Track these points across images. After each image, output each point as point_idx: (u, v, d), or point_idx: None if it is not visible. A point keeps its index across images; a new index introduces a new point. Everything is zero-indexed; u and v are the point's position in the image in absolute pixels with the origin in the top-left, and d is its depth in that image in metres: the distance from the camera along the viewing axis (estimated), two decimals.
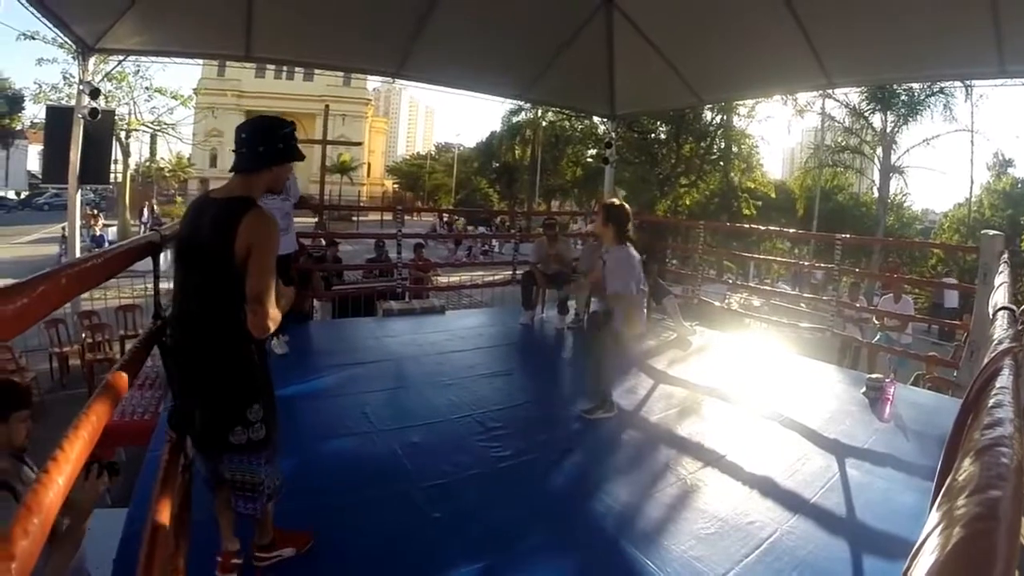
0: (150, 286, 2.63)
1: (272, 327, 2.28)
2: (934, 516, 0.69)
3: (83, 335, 8.17)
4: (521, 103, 31.94)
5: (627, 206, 5.13)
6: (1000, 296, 2.48)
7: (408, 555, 3.00)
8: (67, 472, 1.29)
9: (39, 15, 5.78)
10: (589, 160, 38.24)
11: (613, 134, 11.27)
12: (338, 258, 10.32)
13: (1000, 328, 1.80)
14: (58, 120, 7.47)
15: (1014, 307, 2.04)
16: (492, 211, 45.92)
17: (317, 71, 37.16)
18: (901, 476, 4.14)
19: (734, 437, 4.64)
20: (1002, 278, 3.46)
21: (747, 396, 5.54)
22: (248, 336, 2.30)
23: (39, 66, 22.14)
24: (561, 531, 3.34)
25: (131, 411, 5.16)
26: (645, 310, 5.12)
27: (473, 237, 26.03)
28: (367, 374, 5.72)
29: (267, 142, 2.47)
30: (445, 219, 37.03)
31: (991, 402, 1.04)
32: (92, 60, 6.94)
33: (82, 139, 6.91)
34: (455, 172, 56.05)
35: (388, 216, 27.42)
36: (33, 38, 20.13)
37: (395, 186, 61.87)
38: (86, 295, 8.58)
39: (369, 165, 58.72)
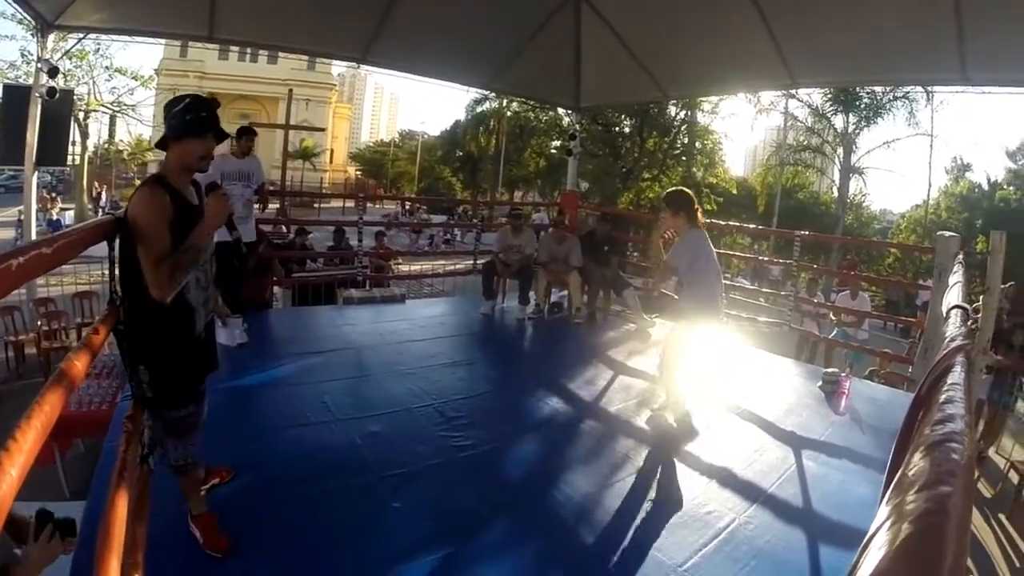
0: (107, 272, 2.54)
1: (164, 289, 2.36)
2: (884, 510, 0.70)
3: (39, 323, 7.95)
4: (486, 92, 31.84)
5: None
6: (954, 295, 2.53)
7: (368, 545, 2.98)
8: (20, 463, 1.27)
9: None
10: (553, 151, 38.25)
11: (577, 126, 11.26)
12: (307, 246, 10.17)
13: (953, 326, 1.84)
14: (15, 99, 7.25)
15: (967, 306, 2.08)
16: (455, 200, 45.76)
17: (281, 54, 36.63)
18: (856, 468, 4.23)
19: (693, 428, 4.68)
20: (956, 278, 3.54)
21: (706, 388, 5.60)
22: (148, 305, 2.41)
23: None
24: (521, 521, 3.35)
25: (88, 401, 5.02)
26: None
27: (435, 226, 25.88)
28: (327, 363, 5.66)
29: (167, 118, 2.52)
30: (407, 207, 36.88)
31: (942, 398, 1.06)
32: (51, 37, 6.79)
33: (39, 119, 6.73)
34: (418, 160, 55.61)
35: (350, 203, 27.15)
36: None
37: (358, 173, 61.23)
38: (41, 281, 8.37)
39: (332, 151, 57.95)
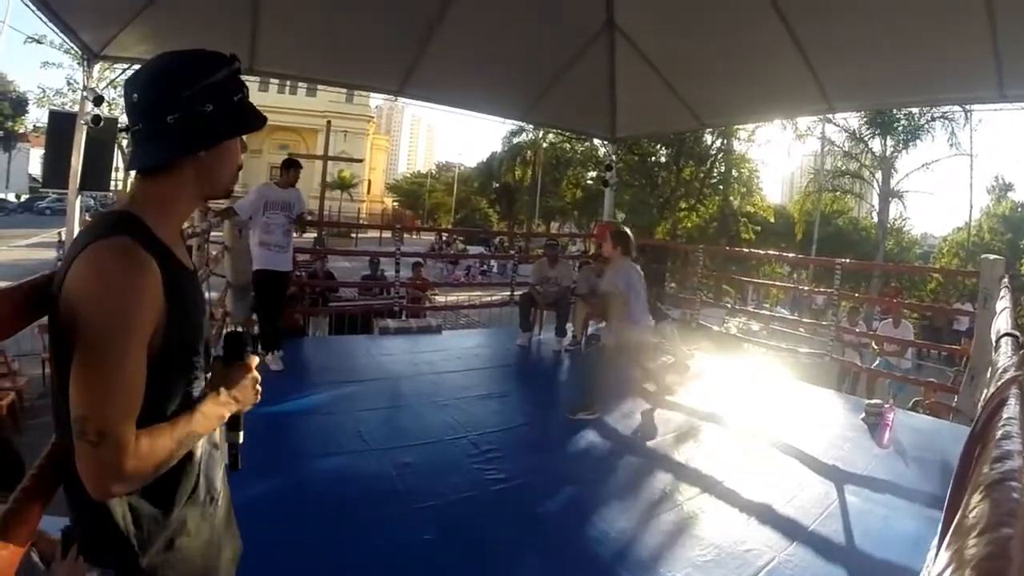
0: None
1: (125, 483, 1.17)
2: (944, 556, 0.67)
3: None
4: (522, 124, 32.13)
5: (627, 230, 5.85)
6: (1003, 322, 2.45)
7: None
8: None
9: (46, 19, 5.79)
10: (589, 182, 38.41)
11: (613, 156, 11.26)
12: (329, 272, 10.27)
13: (1004, 355, 1.77)
14: (60, 125, 7.44)
15: (1018, 334, 2.01)
16: (491, 231, 46.02)
17: (320, 87, 37.33)
18: (901, 503, 4.10)
19: (732, 463, 4.59)
20: (1004, 303, 3.44)
21: (745, 422, 5.50)
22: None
23: (44, 70, 22.66)
24: (555, 557, 3.29)
25: None
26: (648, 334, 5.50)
27: (472, 257, 26.03)
28: (362, 392, 5.67)
29: (181, 104, 1.27)
30: (444, 238, 37.14)
31: (999, 433, 1.01)
32: (97, 67, 6.93)
33: (84, 145, 6.90)
34: (455, 191, 56.19)
35: (387, 234, 27.46)
36: (39, 42, 20.30)
37: (395, 204, 62.03)
38: None
39: (369, 182, 58.86)
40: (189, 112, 1.26)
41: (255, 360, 1.53)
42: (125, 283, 1.17)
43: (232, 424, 1.51)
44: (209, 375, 1.46)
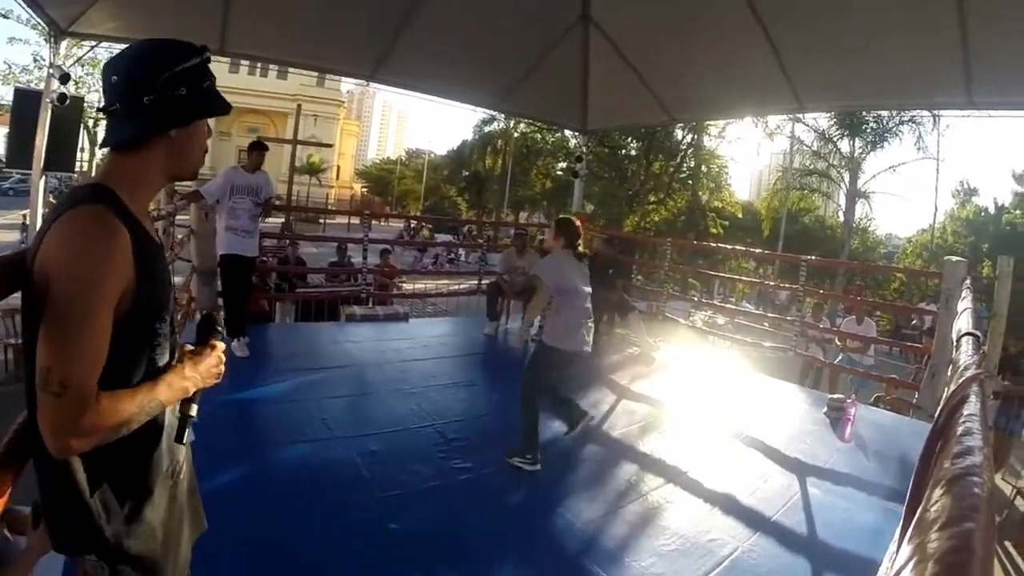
0: None
1: (69, 437, 1.21)
2: (906, 550, 0.68)
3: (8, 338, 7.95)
4: (494, 113, 32.01)
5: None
6: (964, 322, 2.50)
7: (363, 566, 2.94)
8: None
9: None
10: (559, 173, 38.43)
11: (584, 148, 11.27)
12: (300, 259, 10.19)
13: (965, 354, 1.80)
14: (26, 103, 7.26)
15: (979, 333, 2.05)
16: (460, 220, 45.93)
17: (291, 70, 36.86)
18: (861, 495, 4.18)
19: (696, 454, 4.64)
20: (965, 304, 3.50)
21: (709, 414, 5.56)
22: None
23: (10, 45, 21.92)
24: (520, 546, 3.30)
25: None
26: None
27: (440, 245, 25.95)
28: (327, 379, 5.63)
29: (156, 86, 1.37)
30: (412, 225, 36.96)
31: (960, 429, 1.03)
32: (64, 44, 6.79)
33: (49, 124, 6.76)
34: (424, 179, 55.97)
35: (355, 220, 27.29)
36: (6, 17, 19.84)
37: (364, 190, 61.62)
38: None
39: (339, 167, 58.39)
40: (164, 94, 1.36)
41: (221, 345, 1.61)
42: (96, 246, 1.24)
43: (188, 396, 1.52)
44: (177, 352, 1.53)
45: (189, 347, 1.55)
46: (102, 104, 1.41)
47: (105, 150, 1.45)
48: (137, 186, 1.41)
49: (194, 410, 1.54)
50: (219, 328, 1.64)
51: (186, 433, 1.54)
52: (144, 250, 1.34)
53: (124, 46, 1.44)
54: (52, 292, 1.21)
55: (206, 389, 1.57)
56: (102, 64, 1.72)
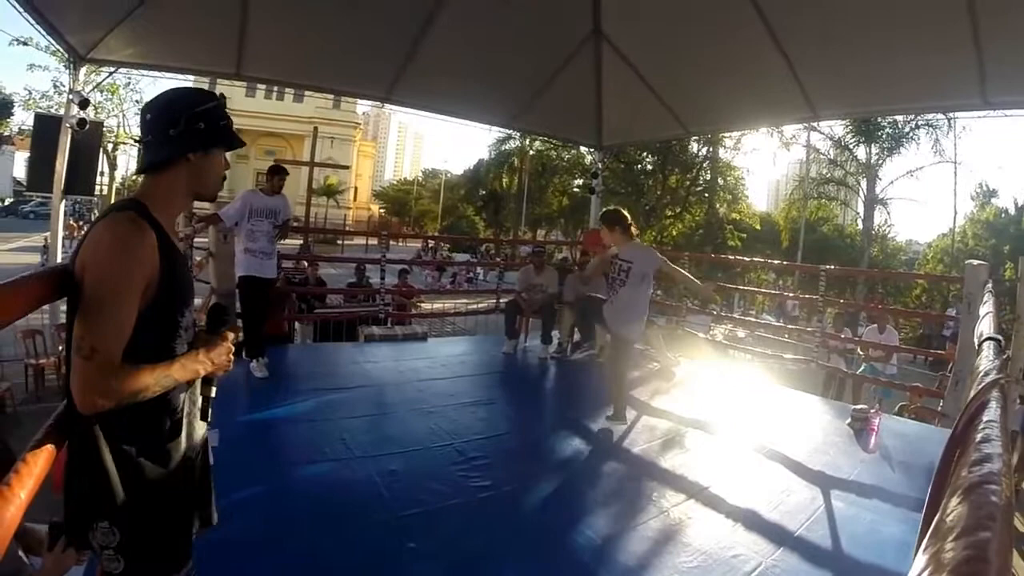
0: None
1: (97, 395, 1.45)
2: (921, 559, 0.67)
3: (60, 347, 8.02)
4: (510, 131, 32.14)
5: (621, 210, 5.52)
6: (986, 326, 2.47)
7: None
8: (29, 486, 1.52)
9: (33, 21, 5.77)
10: (575, 190, 38.60)
11: (600, 164, 11.32)
12: (320, 279, 10.25)
13: (987, 359, 1.78)
14: (46, 128, 7.40)
15: (1000, 337, 2.02)
16: (478, 239, 46.05)
17: (307, 93, 37.22)
18: (887, 507, 4.11)
19: (718, 469, 4.59)
20: (987, 308, 3.46)
21: (731, 428, 5.52)
22: (111, 416, 1.54)
23: (30, 72, 22.24)
24: (541, 565, 3.28)
25: None
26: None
27: (458, 264, 26.02)
28: (346, 399, 5.65)
29: (180, 121, 1.68)
30: (430, 245, 37.11)
31: (979, 436, 1.02)
32: (83, 70, 6.92)
33: (69, 149, 6.87)
34: (441, 198, 56.27)
35: (373, 241, 27.45)
36: (26, 44, 20.15)
37: (381, 211, 61.98)
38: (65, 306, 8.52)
39: (356, 189, 58.77)
40: (186, 127, 1.69)
41: (232, 334, 1.87)
42: (128, 242, 1.53)
43: (207, 379, 1.81)
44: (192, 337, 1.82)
45: (203, 332, 1.86)
46: (139, 137, 1.76)
47: (141, 176, 1.78)
48: (165, 202, 1.72)
49: (213, 391, 1.83)
50: (228, 317, 1.94)
51: (209, 411, 1.83)
52: (168, 251, 1.63)
53: (144, 74, 1.70)
54: (89, 278, 1.50)
55: (221, 388, 1.87)
56: (141, 106, 2.11)
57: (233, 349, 1.85)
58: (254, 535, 2.73)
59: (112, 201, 26.39)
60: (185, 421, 1.76)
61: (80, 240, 1.61)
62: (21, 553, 2.05)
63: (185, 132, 1.69)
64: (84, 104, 6.81)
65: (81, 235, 1.77)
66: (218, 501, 1.95)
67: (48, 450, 1.66)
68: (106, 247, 1.52)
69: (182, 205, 1.86)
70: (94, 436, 1.55)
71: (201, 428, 1.86)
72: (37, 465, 1.59)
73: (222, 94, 2.02)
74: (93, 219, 1.91)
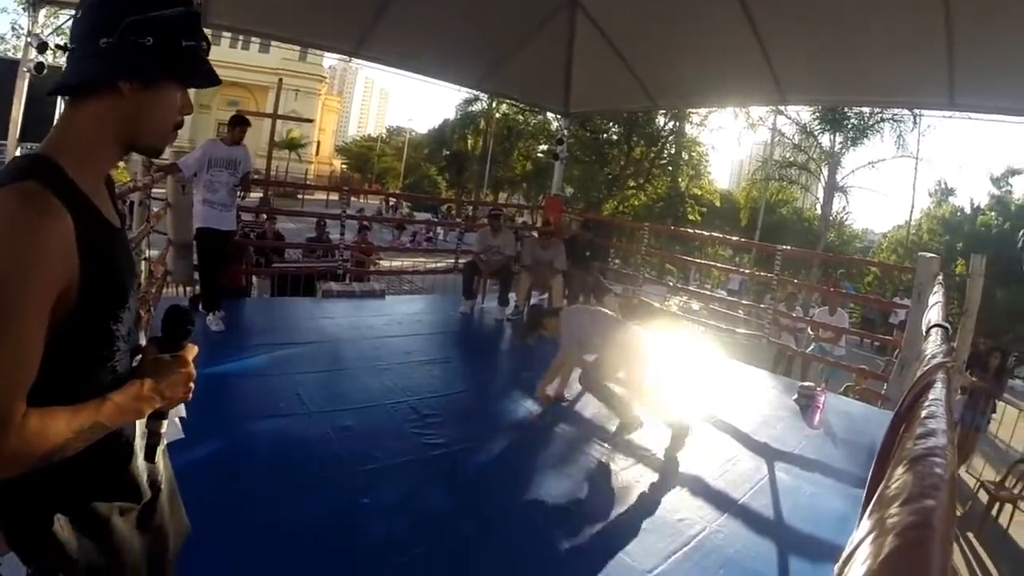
0: None
1: (3, 465, 0.99)
2: (866, 524, 0.69)
3: None
4: (477, 93, 31.79)
5: None
6: (934, 314, 2.54)
7: (336, 540, 2.94)
8: None
9: None
10: (540, 155, 38.40)
11: (566, 131, 11.25)
12: (278, 233, 10.12)
13: (934, 344, 1.83)
14: (2, 72, 7.15)
15: (948, 325, 2.08)
16: (439, 198, 45.71)
17: (273, 43, 36.38)
18: (828, 482, 4.25)
19: (666, 436, 4.67)
20: (936, 298, 3.56)
21: (681, 397, 5.61)
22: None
23: None
24: (490, 521, 3.33)
25: None
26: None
27: (418, 223, 25.81)
28: (303, 355, 5.62)
29: (116, 28, 1.13)
30: (391, 203, 36.76)
31: (924, 413, 1.05)
32: (43, 12, 6.67)
33: (26, 94, 6.66)
34: (405, 157, 55.60)
35: (334, 196, 27.11)
36: None
37: (343, 166, 61.14)
38: None
39: (319, 143, 57.81)
40: (124, 40, 1.12)
41: (193, 351, 1.35)
42: (23, 233, 1.00)
43: (156, 412, 1.30)
44: (139, 356, 1.33)
45: (154, 344, 1.33)
46: (65, 44, 1.20)
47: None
48: (84, 154, 1.16)
49: (164, 427, 1.36)
50: (190, 327, 1.36)
51: (157, 452, 1.37)
52: (94, 235, 1.12)
53: None
54: None
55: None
56: None
57: (194, 375, 1.32)
58: (207, 491, 2.71)
59: None
60: (137, 459, 1.34)
61: None
62: None
63: (121, 45, 1.13)
64: (43, 47, 6.57)
65: None
66: (173, 460, 1.61)
67: None
68: None
69: (111, 157, 1.25)
70: (19, 484, 1.10)
71: (160, 456, 1.43)
72: None
73: (202, 4, 1.05)
74: None
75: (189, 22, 1.22)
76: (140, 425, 1.33)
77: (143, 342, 1.37)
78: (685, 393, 5.35)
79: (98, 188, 1.21)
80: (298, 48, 39.01)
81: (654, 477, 4.05)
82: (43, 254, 1.01)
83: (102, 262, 1.13)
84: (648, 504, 3.65)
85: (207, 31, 1.31)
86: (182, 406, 1.43)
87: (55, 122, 1.19)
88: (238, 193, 6.11)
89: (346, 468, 3.63)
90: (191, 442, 3.35)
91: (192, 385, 1.32)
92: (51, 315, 1.04)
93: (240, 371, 5.03)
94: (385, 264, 13.65)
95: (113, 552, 1.25)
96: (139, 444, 1.33)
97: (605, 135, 32.80)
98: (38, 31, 6.59)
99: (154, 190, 6.59)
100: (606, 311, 5.24)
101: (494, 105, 37.81)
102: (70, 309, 1.08)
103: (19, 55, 7.38)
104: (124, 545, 1.28)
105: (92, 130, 1.17)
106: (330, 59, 54.32)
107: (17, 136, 6.65)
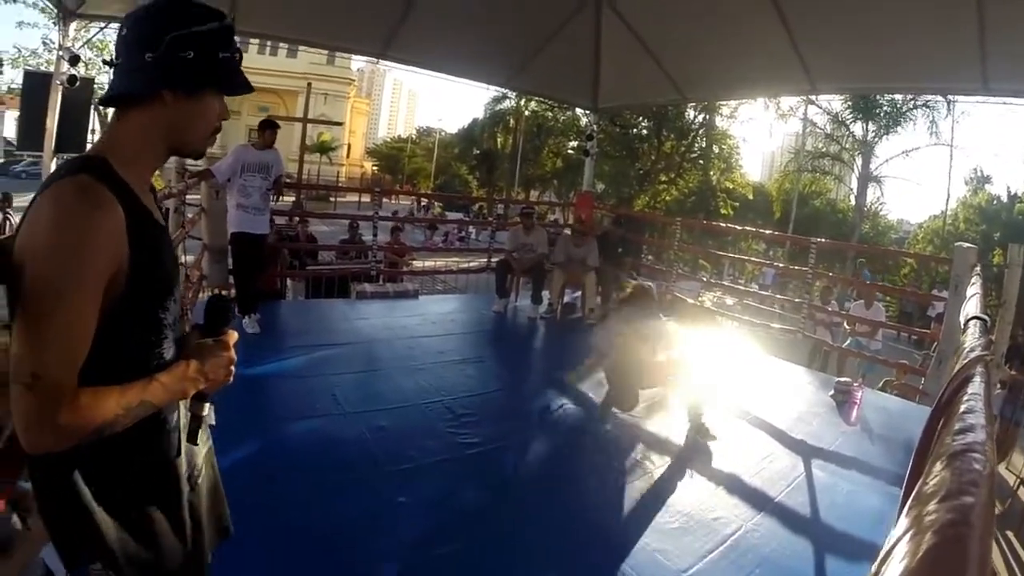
0: None
1: (57, 437, 1.08)
2: (904, 521, 0.68)
3: None
4: (505, 91, 31.79)
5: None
6: (972, 307, 2.49)
7: (372, 539, 2.97)
8: None
9: None
10: (570, 152, 38.19)
11: (595, 127, 11.21)
12: (311, 236, 10.21)
13: (972, 337, 1.80)
14: (36, 86, 7.26)
15: (986, 317, 2.05)
16: (471, 197, 45.79)
17: (301, 48, 36.70)
18: (866, 479, 4.19)
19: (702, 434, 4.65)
20: (974, 290, 3.49)
21: (717, 393, 5.57)
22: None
23: (19, 30, 21.84)
24: (526, 520, 3.33)
25: None
26: None
27: (450, 222, 25.87)
28: (338, 356, 5.67)
29: (161, 43, 1.22)
30: (423, 203, 36.87)
31: (963, 408, 1.04)
32: (73, 25, 6.78)
33: (60, 107, 6.77)
34: (435, 157, 55.73)
35: (366, 198, 27.25)
36: (15, 1, 19.71)
37: (374, 168, 61.48)
38: None
39: (349, 146, 58.29)
40: (168, 53, 1.22)
41: (234, 336, 1.45)
42: (76, 220, 1.09)
43: (199, 395, 1.38)
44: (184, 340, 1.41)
45: (197, 330, 1.43)
46: (112, 59, 1.29)
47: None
48: (132, 156, 1.26)
49: (207, 409, 1.42)
50: (230, 314, 1.47)
51: (199, 434, 1.42)
52: (142, 228, 1.20)
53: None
54: (27, 274, 1.07)
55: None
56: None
57: (235, 359, 1.42)
58: (243, 491, 2.74)
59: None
60: (182, 439, 1.40)
61: (23, 216, 1.15)
62: (15, 518, 1.94)
63: (165, 59, 1.22)
64: (74, 60, 6.70)
65: (25, 209, 1.17)
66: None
67: None
68: (45, 230, 1.09)
69: (157, 159, 1.34)
70: (70, 476, 1.19)
71: (204, 443, 1.53)
72: None
73: (233, 15, 1.18)
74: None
75: (225, 35, 1.32)
76: (183, 409, 1.40)
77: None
78: (709, 382, 5.29)
79: (144, 188, 1.31)
80: (326, 52, 39.38)
81: (689, 476, 4.03)
82: (96, 240, 1.11)
83: (150, 253, 1.23)
84: (684, 503, 3.63)
85: (237, 39, 1.41)
86: (212, 413, 1.48)
87: (108, 128, 1.30)
88: (271, 197, 6.18)
89: (381, 468, 3.66)
90: (228, 443, 3.41)
91: (233, 368, 1.42)
92: (103, 299, 1.13)
93: (276, 372, 5.09)
94: (418, 264, 13.73)
95: (151, 545, 1.31)
96: (183, 428, 1.40)
97: (635, 130, 32.58)
98: (69, 44, 6.72)
99: (188, 196, 6.69)
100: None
101: (523, 103, 37.77)
102: (120, 295, 1.17)
103: (51, 68, 7.51)
104: (162, 539, 1.34)
105: (139, 135, 1.28)
106: (358, 62, 54.81)
107: (52, 147, 6.78)
